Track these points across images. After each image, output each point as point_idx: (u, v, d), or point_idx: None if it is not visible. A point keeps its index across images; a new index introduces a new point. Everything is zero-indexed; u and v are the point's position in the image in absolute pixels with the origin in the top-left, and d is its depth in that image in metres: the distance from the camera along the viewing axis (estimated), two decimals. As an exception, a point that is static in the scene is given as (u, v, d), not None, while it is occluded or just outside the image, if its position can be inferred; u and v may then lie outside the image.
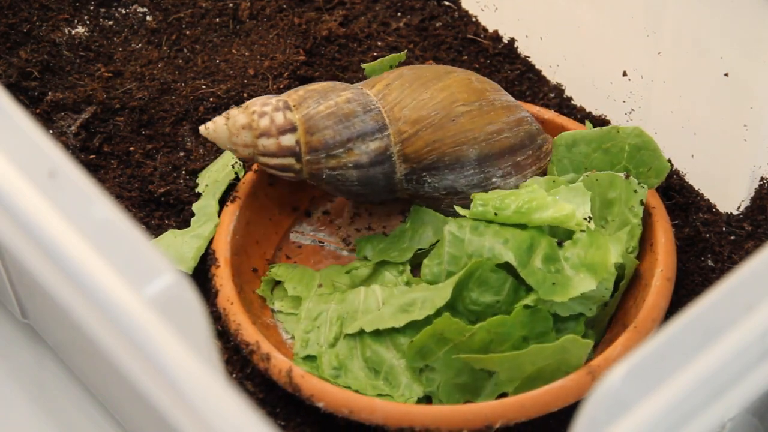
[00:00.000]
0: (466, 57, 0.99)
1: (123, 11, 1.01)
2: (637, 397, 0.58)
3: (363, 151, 0.85)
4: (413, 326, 0.80)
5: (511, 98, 0.89)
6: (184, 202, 0.91)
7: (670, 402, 0.58)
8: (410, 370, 0.80)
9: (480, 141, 0.85)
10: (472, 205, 0.82)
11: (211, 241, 0.88)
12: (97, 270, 0.60)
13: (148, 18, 1.01)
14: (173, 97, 0.95)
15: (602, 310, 0.82)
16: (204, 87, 0.96)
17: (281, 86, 0.95)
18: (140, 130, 0.94)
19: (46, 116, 0.94)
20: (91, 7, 1.01)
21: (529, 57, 1.00)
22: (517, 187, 0.85)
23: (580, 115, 0.97)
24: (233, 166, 0.91)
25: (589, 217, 0.81)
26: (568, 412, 0.77)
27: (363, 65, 0.92)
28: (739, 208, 0.91)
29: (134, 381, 0.60)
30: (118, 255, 0.60)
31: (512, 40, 1.00)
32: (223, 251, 0.86)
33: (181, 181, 0.92)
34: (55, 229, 0.61)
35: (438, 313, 0.79)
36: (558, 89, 0.98)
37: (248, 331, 0.82)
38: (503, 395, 0.80)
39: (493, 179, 0.86)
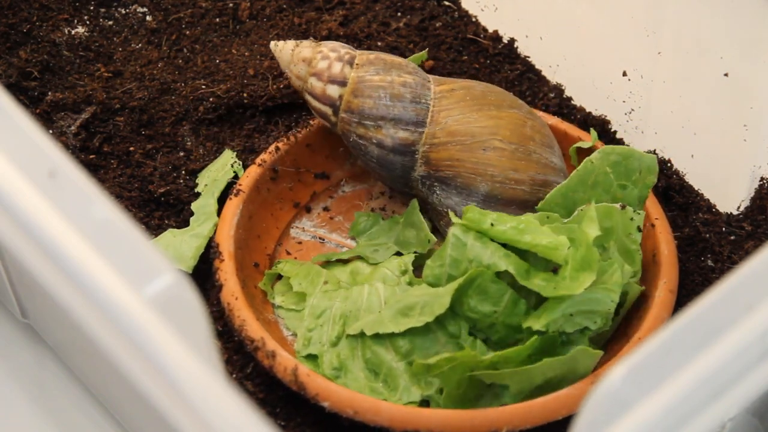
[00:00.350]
0: (466, 57, 0.99)
1: (123, 11, 1.01)
2: (637, 397, 0.58)
3: (389, 134, 0.86)
4: (412, 330, 0.80)
5: (557, 161, 0.87)
6: (184, 202, 0.91)
7: (670, 402, 0.58)
8: (408, 373, 0.80)
9: (496, 180, 0.85)
10: (465, 211, 0.82)
11: (211, 238, 0.88)
12: (97, 270, 0.60)
13: (148, 18, 1.01)
14: (173, 97, 0.95)
15: (605, 325, 0.82)
16: (204, 87, 0.96)
17: (281, 86, 0.95)
18: (140, 130, 0.94)
19: (46, 116, 0.94)
20: (91, 7, 1.01)
21: (529, 57, 1.00)
22: None
23: (580, 115, 0.97)
24: (232, 166, 0.91)
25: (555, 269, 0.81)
26: (571, 419, 0.77)
27: None
28: (739, 208, 0.91)
29: (134, 381, 0.60)
30: (118, 255, 0.60)
31: (512, 40, 1.00)
32: (226, 245, 0.86)
33: (181, 181, 0.92)
34: (55, 229, 0.61)
35: (437, 320, 0.79)
36: (558, 89, 0.98)
37: (253, 327, 0.82)
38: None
39: None
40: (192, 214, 0.90)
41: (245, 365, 0.84)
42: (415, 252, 0.88)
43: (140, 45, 0.99)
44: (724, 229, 0.90)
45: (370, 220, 0.91)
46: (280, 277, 0.89)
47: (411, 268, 0.88)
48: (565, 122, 0.94)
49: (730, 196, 0.91)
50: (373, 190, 0.93)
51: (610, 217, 0.82)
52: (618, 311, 0.82)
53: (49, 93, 0.95)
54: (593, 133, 0.92)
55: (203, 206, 0.90)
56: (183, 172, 0.92)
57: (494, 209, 0.85)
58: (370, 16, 1.02)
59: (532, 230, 0.80)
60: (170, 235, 0.88)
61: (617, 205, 0.83)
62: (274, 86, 0.95)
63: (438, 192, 0.86)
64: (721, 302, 0.60)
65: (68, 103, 0.94)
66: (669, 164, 0.94)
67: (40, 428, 0.84)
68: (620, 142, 0.96)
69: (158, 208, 0.91)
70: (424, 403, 0.81)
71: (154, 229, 0.90)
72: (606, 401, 0.58)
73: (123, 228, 0.61)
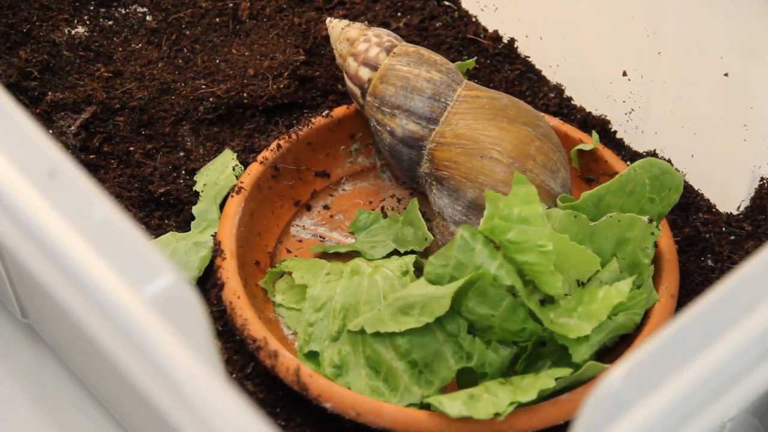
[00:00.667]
0: (466, 57, 0.99)
1: (123, 11, 1.01)
2: (637, 397, 0.58)
3: (401, 124, 0.87)
4: (412, 329, 0.80)
5: (556, 187, 0.86)
6: (183, 202, 0.91)
7: (670, 402, 0.58)
8: (408, 373, 0.80)
9: (482, 188, 0.85)
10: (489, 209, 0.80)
11: (213, 235, 0.88)
12: (97, 270, 0.60)
13: (148, 18, 1.01)
14: (173, 97, 0.95)
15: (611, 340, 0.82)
16: (204, 87, 0.96)
17: (281, 86, 0.95)
18: (140, 130, 0.94)
19: (46, 116, 0.94)
20: (91, 7, 1.01)
21: (529, 57, 1.00)
22: None
23: (580, 115, 0.97)
24: (234, 168, 0.91)
25: (581, 282, 0.81)
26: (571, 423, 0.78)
27: None
28: (739, 208, 0.91)
29: (134, 381, 0.60)
30: (118, 255, 0.60)
31: (512, 40, 1.00)
32: (228, 243, 0.86)
33: (181, 181, 0.92)
34: (55, 229, 0.61)
35: (437, 321, 0.79)
36: (558, 89, 0.98)
37: (255, 327, 0.82)
38: None
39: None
40: (192, 216, 0.90)
41: (245, 365, 0.84)
42: (412, 251, 0.89)
43: (140, 45, 0.99)
44: (724, 229, 0.90)
45: (370, 217, 0.91)
46: (281, 276, 0.89)
47: (412, 268, 0.88)
48: (566, 124, 0.94)
49: (730, 196, 0.91)
50: (381, 190, 0.94)
51: (632, 228, 0.82)
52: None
53: (49, 93, 0.95)
54: (595, 135, 0.92)
55: (205, 212, 0.90)
56: (183, 172, 0.92)
57: (475, 216, 0.85)
58: (370, 16, 1.02)
59: (531, 251, 0.79)
60: (172, 238, 0.88)
61: (645, 218, 0.82)
62: (274, 86, 0.95)
63: (434, 191, 0.87)
64: (721, 302, 0.60)
65: (68, 103, 0.94)
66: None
67: (40, 428, 0.84)
68: (620, 142, 0.96)
69: (158, 208, 0.91)
70: (425, 406, 0.80)
71: (154, 229, 0.90)
72: (606, 401, 0.58)
73: (123, 228, 0.61)
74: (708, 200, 0.93)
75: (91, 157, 0.93)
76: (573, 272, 0.80)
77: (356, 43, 0.89)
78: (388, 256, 0.89)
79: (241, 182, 0.89)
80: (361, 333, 0.82)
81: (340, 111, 0.94)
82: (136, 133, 0.94)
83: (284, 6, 1.01)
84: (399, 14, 1.02)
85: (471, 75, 0.97)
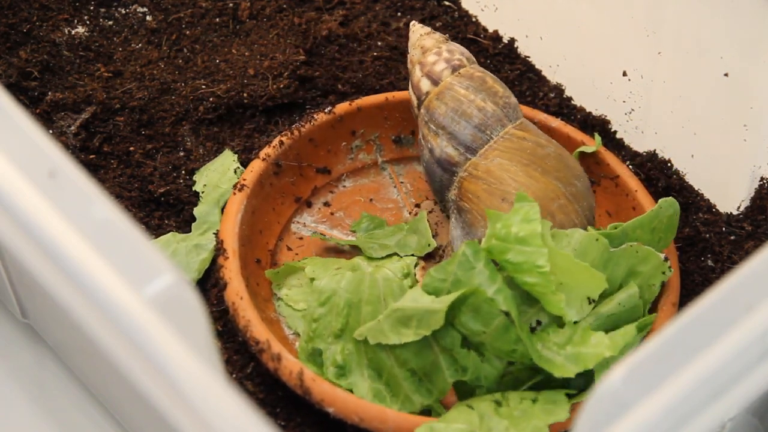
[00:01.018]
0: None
1: (123, 11, 1.01)
2: (637, 397, 0.58)
3: (440, 145, 0.86)
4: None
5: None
6: (183, 202, 0.91)
7: (670, 402, 0.58)
8: (408, 381, 0.80)
9: None
10: (492, 226, 0.79)
11: (215, 234, 0.88)
12: (97, 270, 0.60)
13: (148, 18, 1.01)
14: (173, 97, 0.95)
15: None
16: (204, 87, 0.96)
17: (281, 86, 0.95)
18: (140, 130, 0.94)
19: (46, 116, 0.94)
20: (91, 7, 1.01)
21: (529, 57, 1.00)
22: None
23: (580, 116, 0.97)
24: (235, 171, 0.91)
25: (592, 300, 0.80)
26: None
27: None
28: (739, 208, 0.91)
29: (134, 381, 0.60)
30: (118, 255, 0.60)
31: (512, 40, 1.00)
32: (230, 242, 0.86)
33: (181, 181, 0.92)
34: (55, 229, 0.61)
35: (433, 333, 0.78)
36: (558, 89, 0.98)
37: (258, 328, 0.82)
38: None
39: None
40: (193, 217, 0.90)
41: (245, 365, 0.84)
42: (412, 255, 0.89)
43: (140, 45, 0.99)
44: (724, 229, 0.91)
45: (374, 222, 0.91)
46: (293, 272, 0.89)
47: (414, 271, 0.88)
48: (569, 125, 0.94)
49: (730, 196, 0.91)
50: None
51: (646, 262, 0.81)
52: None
53: (49, 93, 0.95)
54: (597, 138, 0.92)
55: (206, 215, 0.90)
56: (183, 172, 0.92)
57: None
58: (370, 16, 1.02)
59: (534, 272, 0.78)
60: (172, 238, 0.88)
61: (661, 255, 0.82)
62: (274, 86, 0.95)
63: (453, 219, 0.87)
64: (721, 302, 0.60)
65: (68, 103, 0.94)
66: (669, 164, 0.94)
67: (40, 428, 0.84)
68: (620, 142, 0.96)
69: (158, 208, 0.91)
70: (426, 412, 0.80)
71: (154, 229, 0.90)
72: (606, 401, 0.58)
73: (123, 228, 0.61)
74: (708, 200, 0.93)
75: (91, 157, 0.93)
76: (581, 290, 0.79)
77: (428, 53, 0.89)
78: (388, 257, 0.89)
79: (244, 179, 0.89)
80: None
81: (342, 107, 0.94)
82: (136, 133, 0.94)
83: (284, 6, 1.01)
84: (399, 14, 1.02)
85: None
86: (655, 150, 0.94)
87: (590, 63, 0.96)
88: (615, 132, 0.96)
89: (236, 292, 0.83)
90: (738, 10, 0.84)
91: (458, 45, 0.89)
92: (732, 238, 0.90)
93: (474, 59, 0.89)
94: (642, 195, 0.90)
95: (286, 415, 0.82)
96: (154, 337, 0.59)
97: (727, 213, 0.92)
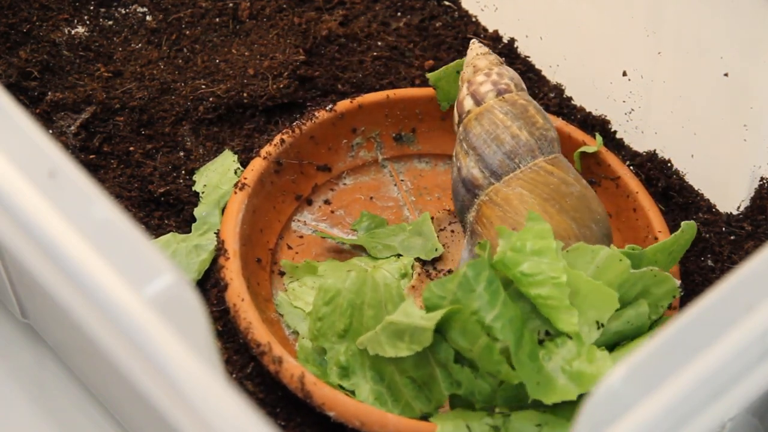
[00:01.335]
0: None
1: (123, 11, 1.01)
2: (637, 397, 0.58)
3: (468, 165, 0.86)
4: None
5: None
6: (183, 202, 0.91)
7: (670, 402, 0.58)
8: (409, 387, 0.80)
9: None
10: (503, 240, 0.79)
11: (216, 233, 0.88)
12: (97, 270, 0.60)
13: (148, 18, 1.01)
14: (173, 97, 0.95)
15: None
16: (204, 87, 0.96)
17: (281, 86, 0.95)
18: (140, 130, 0.94)
19: (46, 116, 0.94)
20: (91, 7, 1.01)
21: (529, 57, 1.00)
22: None
23: (580, 115, 0.97)
24: (236, 172, 0.91)
25: (601, 324, 0.78)
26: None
27: (427, 74, 0.94)
28: (739, 208, 0.91)
29: (134, 381, 0.60)
30: (118, 255, 0.60)
31: (512, 40, 1.00)
32: (231, 242, 0.86)
33: (181, 181, 0.92)
34: (55, 229, 0.61)
35: (429, 346, 0.78)
36: (558, 89, 0.98)
37: (259, 331, 0.82)
38: None
39: None
40: (193, 217, 0.90)
41: (245, 365, 0.84)
42: (417, 258, 0.89)
43: (140, 45, 0.99)
44: (724, 229, 0.91)
45: (375, 221, 0.91)
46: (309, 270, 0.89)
47: (411, 271, 0.88)
48: (570, 125, 0.94)
49: (730, 196, 0.91)
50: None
51: (661, 286, 0.81)
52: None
53: (49, 93, 0.95)
54: (598, 138, 0.92)
55: (207, 215, 0.90)
56: (183, 172, 0.92)
57: None
58: (370, 16, 1.02)
59: (546, 284, 0.77)
60: (172, 239, 0.88)
61: (678, 282, 0.81)
62: (274, 86, 0.95)
63: (465, 241, 0.87)
64: (721, 302, 0.60)
65: (68, 103, 0.94)
66: (669, 164, 0.94)
67: (40, 428, 0.84)
68: (620, 142, 0.96)
69: (158, 208, 0.91)
70: (425, 417, 0.80)
71: (154, 229, 0.90)
72: (606, 401, 0.58)
73: (123, 228, 0.61)
74: (708, 200, 0.93)
75: (91, 157, 0.93)
76: (591, 313, 0.78)
77: (478, 73, 0.88)
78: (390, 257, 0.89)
79: (245, 178, 0.89)
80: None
81: (343, 105, 0.94)
82: (136, 133, 0.94)
83: (284, 6, 1.01)
84: (399, 14, 1.02)
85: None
86: (655, 150, 0.94)
87: (590, 63, 0.96)
88: (615, 132, 0.96)
89: (237, 293, 0.83)
90: (738, 10, 0.84)
91: (511, 70, 0.89)
92: (732, 238, 0.90)
93: (524, 86, 0.88)
94: (643, 196, 0.90)
95: (286, 415, 0.82)
96: (154, 337, 0.59)
97: (727, 213, 0.92)
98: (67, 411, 0.85)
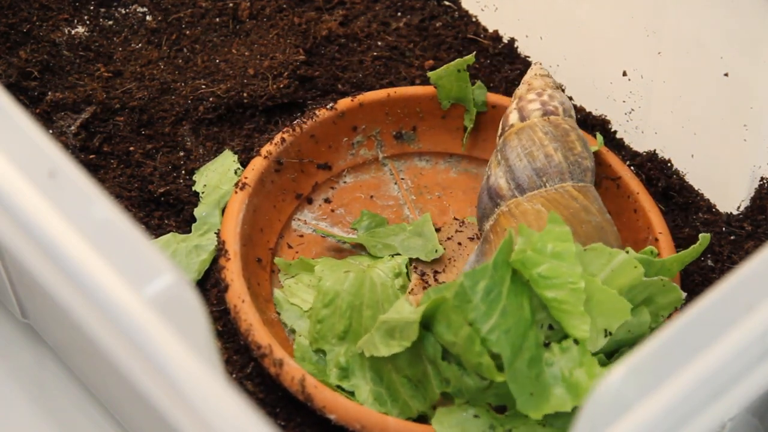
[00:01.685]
0: (466, 57, 0.99)
1: (123, 11, 1.01)
2: (637, 397, 0.58)
3: (496, 174, 0.86)
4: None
5: None
6: (183, 202, 0.91)
7: (670, 402, 0.58)
8: (405, 386, 0.80)
9: None
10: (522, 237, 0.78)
11: (216, 233, 0.88)
12: (97, 270, 0.60)
13: (148, 18, 1.01)
14: (173, 97, 0.95)
15: None
16: (204, 87, 0.96)
17: (281, 86, 0.95)
18: (140, 130, 0.94)
19: (46, 116, 0.94)
20: (91, 7, 1.01)
21: (529, 57, 1.00)
22: None
23: (580, 115, 0.97)
24: (236, 172, 0.91)
25: (609, 332, 0.78)
26: None
27: (428, 73, 0.93)
28: (739, 208, 0.91)
29: (134, 381, 0.60)
30: (118, 255, 0.60)
31: (512, 40, 1.00)
32: (232, 243, 0.86)
33: (181, 180, 0.92)
34: (55, 229, 0.61)
35: (421, 343, 0.78)
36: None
37: (260, 333, 0.81)
38: None
39: None
40: (193, 217, 0.90)
41: (245, 365, 0.84)
42: (417, 259, 0.89)
43: (140, 45, 0.99)
44: (724, 229, 0.91)
45: (375, 220, 0.91)
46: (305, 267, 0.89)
47: (404, 271, 0.88)
48: None
49: (730, 196, 0.91)
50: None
51: (667, 295, 0.81)
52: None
53: (49, 93, 0.95)
54: (599, 138, 0.92)
55: (207, 215, 0.90)
56: (183, 172, 0.92)
57: None
58: (370, 16, 1.02)
59: (562, 286, 0.77)
60: (172, 239, 0.88)
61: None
62: (274, 86, 0.95)
63: (477, 246, 0.86)
64: (721, 302, 0.60)
65: (68, 103, 0.94)
66: (669, 164, 0.94)
67: (40, 428, 0.84)
68: (620, 142, 0.96)
69: (158, 208, 0.91)
70: (421, 418, 0.80)
71: (154, 229, 0.90)
72: (606, 401, 0.58)
73: (123, 228, 0.61)
74: (708, 200, 0.93)
75: (91, 157, 0.93)
76: (601, 320, 0.78)
77: (531, 92, 0.89)
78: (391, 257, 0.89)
79: (245, 177, 0.89)
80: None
81: (344, 103, 0.94)
82: (136, 133, 0.94)
83: (284, 6, 1.01)
84: (399, 14, 1.02)
85: (471, 75, 0.97)
86: (655, 150, 0.94)
87: (590, 63, 0.96)
88: (615, 132, 0.96)
89: (238, 294, 0.83)
90: (738, 10, 0.84)
91: (564, 96, 0.89)
92: (732, 238, 0.90)
93: (572, 114, 0.89)
94: (643, 197, 0.90)
95: (286, 415, 0.82)
96: (154, 337, 0.59)
97: (727, 213, 0.92)
98: (67, 411, 0.85)
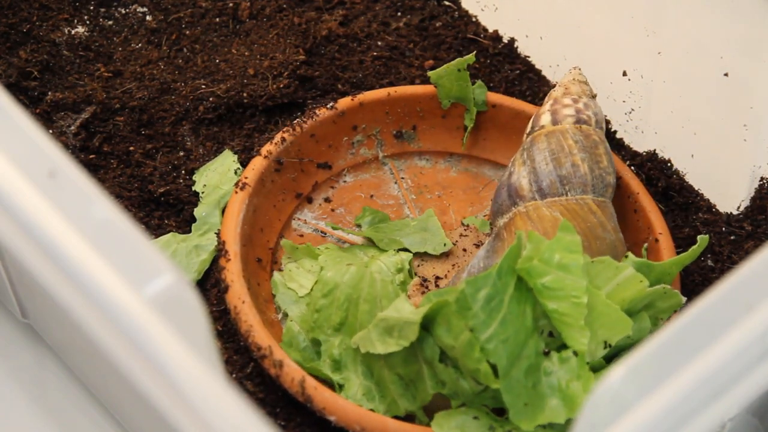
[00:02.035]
0: (466, 56, 0.99)
1: (123, 11, 1.01)
2: (637, 397, 0.58)
3: (519, 174, 0.86)
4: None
5: None
6: (183, 202, 0.91)
7: (670, 402, 0.58)
8: (396, 384, 0.80)
9: None
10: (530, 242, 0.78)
11: (216, 233, 0.88)
12: (97, 270, 0.60)
13: (148, 18, 1.01)
14: (173, 97, 0.95)
15: None
16: (204, 87, 0.96)
17: (281, 85, 0.95)
18: (140, 130, 0.94)
19: (46, 116, 0.94)
20: (91, 7, 1.01)
21: (529, 57, 1.00)
22: None
23: (580, 115, 0.97)
24: (236, 172, 0.91)
25: (609, 344, 0.78)
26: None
27: (429, 72, 0.93)
28: (739, 208, 0.91)
29: (134, 381, 0.60)
30: (118, 255, 0.60)
31: (512, 40, 1.00)
32: (232, 243, 0.86)
33: (181, 180, 0.92)
34: (55, 229, 0.61)
35: (418, 343, 0.77)
36: (558, 89, 0.98)
37: (260, 334, 0.81)
38: None
39: None
40: (193, 217, 0.90)
41: (245, 365, 0.84)
42: (425, 252, 0.89)
43: (140, 45, 0.99)
44: (724, 229, 0.91)
45: (377, 216, 0.91)
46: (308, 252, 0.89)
47: (407, 266, 0.88)
48: None
49: (730, 196, 0.91)
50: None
51: (667, 301, 0.81)
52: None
53: (49, 93, 0.95)
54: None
55: (207, 215, 0.90)
56: (183, 171, 0.92)
57: None
58: (370, 15, 1.02)
59: (564, 298, 0.77)
60: (172, 239, 0.88)
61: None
62: (274, 86, 0.95)
63: (486, 242, 0.86)
64: (721, 302, 0.60)
65: (68, 103, 0.94)
66: (669, 164, 0.94)
67: (40, 428, 0.84)
68: (620, 142, 0.96)
69: (158, 208, 0.91)
70: (409, 417, 0.80)
71: (154, 229, 0.90)
72: (606, 401, 0.58)
73: (123, 228, 0.61)
74: (708, 200, 0.93)
75: (91, 157, 0.93)
76: (602, 332, 0.78)
77: (566, 96, 0.89)
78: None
79: (245, 177, 0.89)
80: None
81: (344, 102, 0.94)
82: (136, 133, 0.94)
83: (284, 6, 1.01)
84: (399, 14, 1.02)
85: (471, 75, 0.97)
86: (655, 150, 0.94)
87: (590, 63, 0.96)
88: (615, 132, 0.96)
89: (238, 295, 0.83)
90: (738, 10, 0.84)
91: (599, 107, 0.89)
92: (732, 238, 0.90)
93: (603, 126, 0.88)
94: (644, 197, 0.90)
95: (286, 415, 0.82)
96: (154, 337, 0.59)
97: (727, 213, 0.92)
98: (67, 411, 0.85)
